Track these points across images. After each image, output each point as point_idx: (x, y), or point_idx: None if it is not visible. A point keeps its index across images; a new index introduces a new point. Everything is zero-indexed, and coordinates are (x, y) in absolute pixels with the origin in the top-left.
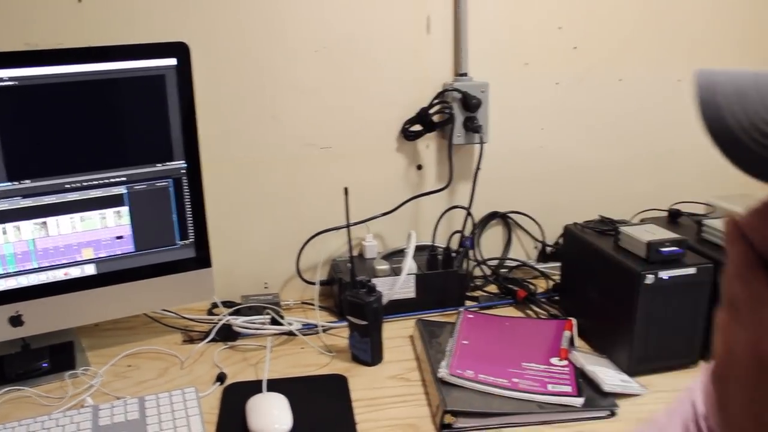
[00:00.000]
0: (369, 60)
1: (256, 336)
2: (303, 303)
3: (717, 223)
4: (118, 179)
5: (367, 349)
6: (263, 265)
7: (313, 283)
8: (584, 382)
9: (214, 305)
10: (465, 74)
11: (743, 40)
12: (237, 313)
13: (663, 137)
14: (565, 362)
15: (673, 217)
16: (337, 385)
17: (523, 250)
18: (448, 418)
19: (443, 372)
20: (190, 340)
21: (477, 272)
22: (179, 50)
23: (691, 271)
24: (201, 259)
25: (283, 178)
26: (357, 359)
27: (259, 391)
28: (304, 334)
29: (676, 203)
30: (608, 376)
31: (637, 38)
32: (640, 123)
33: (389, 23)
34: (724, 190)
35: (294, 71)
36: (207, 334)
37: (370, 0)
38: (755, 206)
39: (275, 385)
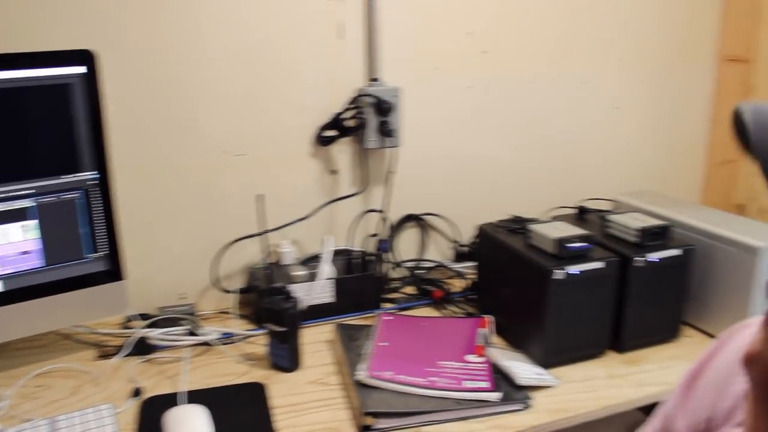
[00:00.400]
0: (283, 65)
1: (173, 348)
2: (221, 312)
3: (622, 219)
4: (24, 192)
5: (285, 356)
6: (179, 275)
7: (231, 292)
8: (500, 377)
9: (129, 318)
10: (377, 79)
11: (644, 40)
12: (153, 325)
13: (570, 137)
14: (481, 359)
15: (581, 214)
16: (256, 393)
17: (438, 251)
18: (368, 420)
19: (362, 374)
20: (105, 356)
21: (394, 274)
22: (86, 58)
23: (599, 265)
24: (113, 272)
25: (199, 185)
26: (276, 366)
27: (177, 403)
28: (223, 344)
29: (584, 200)
30: (523, 370)
31: (544, 43)
32: (549, 124)
33: (303, 29)
34: (627, 186)
35: (208, 77)
36: (122, 348)
37: (284, 6)
38: None
39: (194, 397)
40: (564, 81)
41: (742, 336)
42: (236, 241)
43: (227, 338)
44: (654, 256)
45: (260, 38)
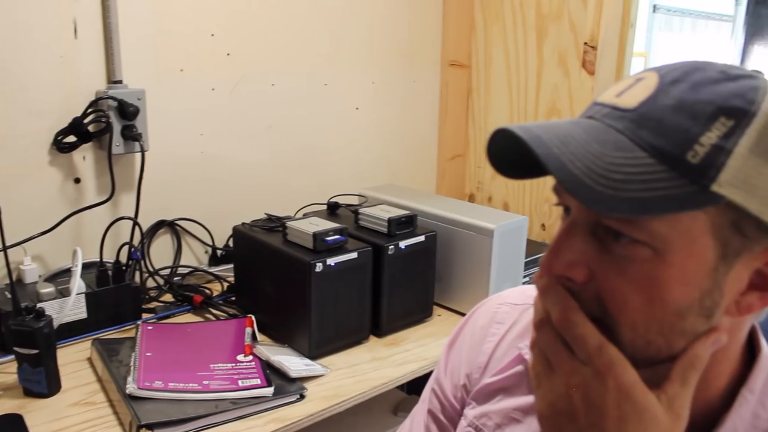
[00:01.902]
0: (9, 66)
1: None
2: None
3: (371, 211)
4: None
5: (41, 380)
6: None
7: None
8: (272, 373)
9: None
10: (120, 81)
11: (375, 46)
12: None
13: (315, 137)
14: (251, 357)
15: (333, 209)
16: (13, 425)
17: (193, 256)
18: None
19: (131, 387)
20: None
21: (150, 283)
22: None
23: (353, 255)
24: None
25: None
26: (31, 393)
27: None
28: None
29: (334, 196)
30: (293, 363)
31: (285, 46)
32: (294, 124)
33: (31, 27)
34: (372, 181)
35: None
36: None
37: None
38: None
39: None
40: (306, 83)
41: (486, 307)
42: None
43: None
44: (403, 244)
45: None
